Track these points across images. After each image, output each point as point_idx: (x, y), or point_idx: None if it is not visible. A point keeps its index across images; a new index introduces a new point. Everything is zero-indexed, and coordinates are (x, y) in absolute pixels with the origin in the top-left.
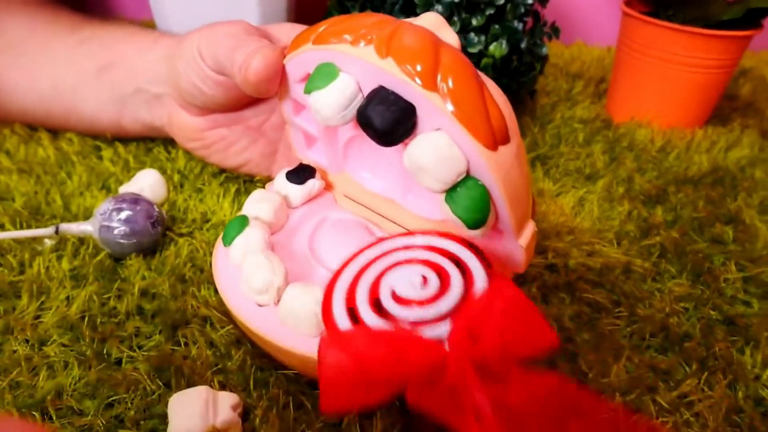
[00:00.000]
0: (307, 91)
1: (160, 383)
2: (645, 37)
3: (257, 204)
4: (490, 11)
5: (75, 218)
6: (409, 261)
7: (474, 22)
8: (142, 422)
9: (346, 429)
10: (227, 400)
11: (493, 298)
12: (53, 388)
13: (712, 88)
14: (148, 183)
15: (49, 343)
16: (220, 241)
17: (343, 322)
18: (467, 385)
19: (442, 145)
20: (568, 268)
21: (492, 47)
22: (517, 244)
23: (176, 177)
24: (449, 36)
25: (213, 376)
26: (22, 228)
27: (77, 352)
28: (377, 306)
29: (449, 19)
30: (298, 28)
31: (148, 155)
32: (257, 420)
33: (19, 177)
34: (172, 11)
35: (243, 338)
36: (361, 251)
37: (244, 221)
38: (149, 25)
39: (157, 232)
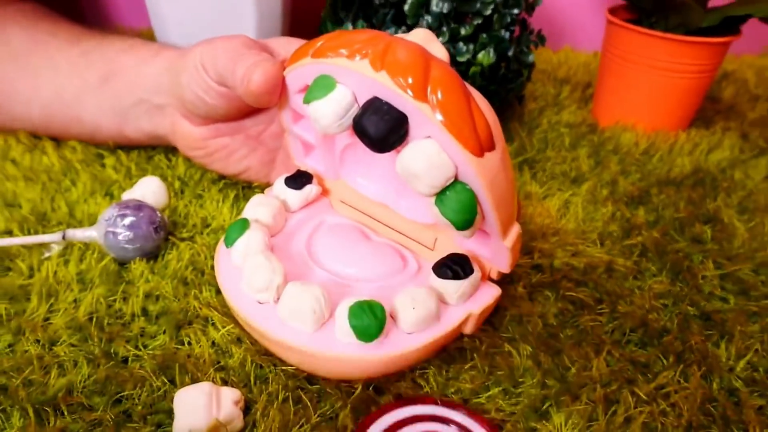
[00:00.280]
0: (307, 101)
1: (166, 380)
2: (629, 44)
3: (257, 208)
4: (477, 21)
5: (80, 224)
6: None
7: (462, 31)
8: (148, 417)
9: (341, 423)
10: (229, 395)
11: None
12: (64, 385)
13: (693, 92)
14: (150, 190)
15: (59, 343)
16: (222, 242)
17: None
18: None
19: (432, 151)
20: (554, 267)
21: (480, 56)
22: (503, 246)
23: (177, 184)
24: (438, 50)
25: (215, 373)
26: (29, 234)
27: (86, 352)
28: None
29: (439, 29)
30: (296, 42)
31: (150, 163)
32: (258, 414)
33: (25, 184)
34: (171, 22)
35: (243, 337)
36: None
37: (245, 224)
38: (147, 34)
39: (160, 237)
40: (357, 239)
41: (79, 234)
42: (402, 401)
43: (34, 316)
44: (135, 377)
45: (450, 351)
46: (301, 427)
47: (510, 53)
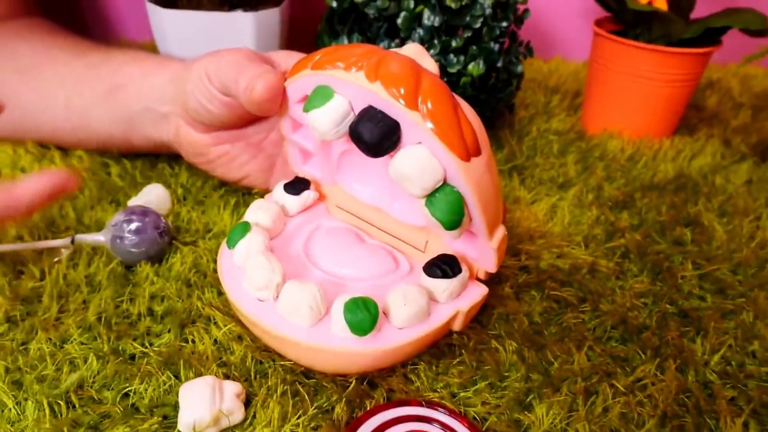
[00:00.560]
0: (306, 110)
1: (171, 375)
2: (614, 55)
3: (258, 212)
4: (468, 34)
5: (87, 230)
6: None
7: (453, 44)
8: (155, 409)
9: (337, 415)
10: (231, 388)
11: None
12: (75, 380)
13: (677, 100)
14: (154, 196)
15: (70, 341)
16: (224, 244)
17: None
18: None
19: (422, 156)
20: (540, 269)
21: (470, 67)
22: (489, 246)
23: (180, 191)
24: (429, 63)
25: (218, 369)
26: (39, 239)
27: (95, 349)
28: None
29: (430, 42)
30: (296, 55)
31: (154, 171)
32: (258, 406)
33: None
34: (172, 36)
35: (244, 334)
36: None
37: (246, 227)
38: (150, 47)
39: (164, 242)
40: (352, 242)
41: (87, 239)
42: (388, 404)
43: (46, 317)
44: (142, 373)
45: (439, 347)
46: (298, 418)
47: (499, 64)
